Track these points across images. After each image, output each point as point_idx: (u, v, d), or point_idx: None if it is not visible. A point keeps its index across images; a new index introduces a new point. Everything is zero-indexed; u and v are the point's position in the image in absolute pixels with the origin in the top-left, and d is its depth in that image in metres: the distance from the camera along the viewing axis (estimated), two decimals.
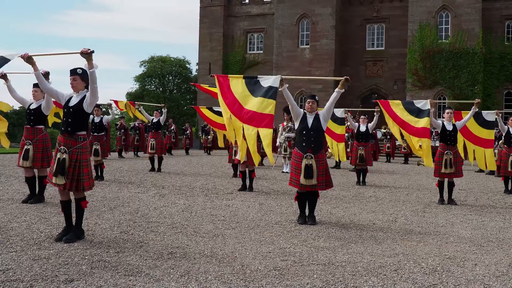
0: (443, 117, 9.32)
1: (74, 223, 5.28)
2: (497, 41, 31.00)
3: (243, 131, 6.68)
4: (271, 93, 6.46)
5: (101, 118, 12.12)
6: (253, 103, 6.50)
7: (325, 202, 8.55)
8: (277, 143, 15.48)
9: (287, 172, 14.18)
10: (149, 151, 13.86)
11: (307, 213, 6.70)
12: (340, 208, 8.06)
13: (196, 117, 36.02)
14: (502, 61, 31.01)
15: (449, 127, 8.97)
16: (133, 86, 50.04)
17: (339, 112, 13.25)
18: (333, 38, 32.71)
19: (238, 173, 11.94)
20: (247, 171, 10.04)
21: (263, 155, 14.23)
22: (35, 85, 7.51)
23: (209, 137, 26.07)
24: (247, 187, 10.05)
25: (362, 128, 12.35)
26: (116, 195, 8.80)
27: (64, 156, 5.11)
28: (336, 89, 6.59)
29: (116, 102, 15.11)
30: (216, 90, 6.90)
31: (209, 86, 10.04)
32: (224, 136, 11.66)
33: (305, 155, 6.41)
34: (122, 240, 5.27)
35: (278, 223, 6.58)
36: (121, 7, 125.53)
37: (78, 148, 5.17)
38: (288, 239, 5.58)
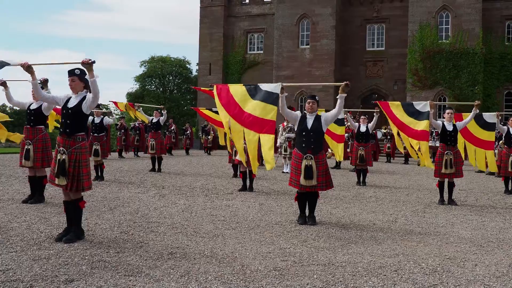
0: (444, 118, 9.31)
1: (71, 224, 5.26)
2: (497, 41, 30.98)
3: (244, 135, 6.63)
4: (272, 98, 6.44)
5: (101, 119, 12.11)
6: (253, 106, 6.46)
7: (325, 203, 8.54)
8: (278, 144, 15.48)
9: (287, 172, 14.18)
10: (149, 151, 13.91)
11: (307, 214, 6.69)
12: (340, 209, 8.06)
13: (196, 117, 36.02)
14: (503, 61, 30.99)
15: (449, 128, 8.97)
16: (133, 86, 50.01)
17: (338, 97, 13.17)
18: (333, 38, 32.69)
19: (238, 173, 11.94)
20: (247, 171, 10.04)
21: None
22: None
23: (209, 137, 26.07)
24: (247, 187, 10.05)
25: (362, 129, 12.35)
26: (116, 195, 8.80)
27: (63, 157, 5.12)
28: (339, 96, 6.58)
29: (116, 103, 15.28)
30: (215, 99, 6.83)
31: (209, 89, 10.04)
32: (225, 134, 11.66)
33: (305, 156, 6.41)
34: (122, 240, 5.27)
35: (278, 223, 6.58)
36: (121, 7, 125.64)
37: (77, 148, 5.17)
38: (288, 240, 5.58)
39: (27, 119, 7.66)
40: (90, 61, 4.93)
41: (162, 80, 48.94)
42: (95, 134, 11.72)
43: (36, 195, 7.64)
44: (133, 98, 47.53)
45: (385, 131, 22.83)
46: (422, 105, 8.50)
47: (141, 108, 14.37)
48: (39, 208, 7.08)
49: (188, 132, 26.29)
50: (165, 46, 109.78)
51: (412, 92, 30.68)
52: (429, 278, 4.23)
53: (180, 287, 3.83)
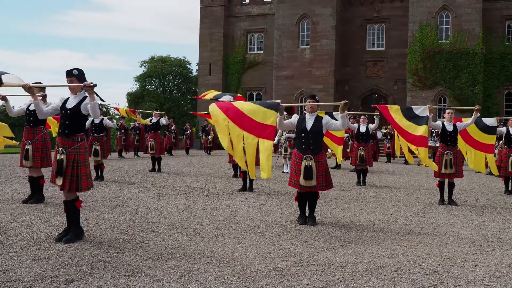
0: (444, 117, 9.31)
1: (71, 224, 5.26)
2: (498, 41, 30.97)
3: (243, 138, 6.59)
4: (273, 106, 6.46)
5: (101, 119, 12.11)
6: (254, 111, 6.43)
7: (325, 203, 8.54)
8: (275, 141, 15.49)
9: (287, 173, 14.17)
10: (149, 151, 13.97)
11: (307, 214, 6.69)
12: (340, 209, 8.06)
13: (196, 117, 36.01)
14: (503, 61, 30.98)
15: (450, 128, 8.97)
16: (133, 86, 49.98)
17: (339, 116, 13.19)
18: (334, 39, 32.69)
19: (238, 173, 11.94)
20: (248, 172, 10.02)
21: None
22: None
23: (209, 137, 26.06)
24: (248, 187, 10.04)
25: (362, 129, 12.35)
26: (116, 195, 8.80)
27: (62, 157, 5.13)
28: (340, 115, 6.57)
29: (117, 109, 15.70)
30: (214, 109, 6.78)
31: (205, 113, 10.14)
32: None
33: (304, 156, 6.40)
34: (122, 241, 5.27)
35: (278, 223, 6.58)
36: (121, 7, 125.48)
37: (76, 148, 5.18)
38: (288, 240, 5.58)
39: (27, 120, 7.67)
40: (92, 84, 4.97)
41: (162, 80, 48.92)
42: (95, 134, 11.72)
43: (36, 195, 7.64)
44: (133, 98, 47.52)
45: (385, 131, 22.83)
46: (421, 110, 8.32)
47: (141, 114, 14.53)
48: (39, 208, 7.08)
49: (188, 132, 26.29)
50: (165, 46, 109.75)
51: (412, 92, 30.68)
52: (429, 278, 4.23)
53: (180, 287, 3.83)
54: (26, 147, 7.55)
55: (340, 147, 10.80)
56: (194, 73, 48.62)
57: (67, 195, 5.23)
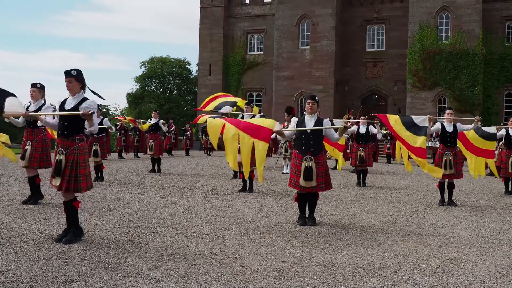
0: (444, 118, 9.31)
1: (69, 225, 5.26)
2: (497, 42, 30.99)
3: (239, 138, 6.62)
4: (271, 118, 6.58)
5: (101, 120, 12.11)
6: (251, 120, 6.57)
7: (325, 203, 8.54)
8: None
9: (287, 173, 14.17)
10: (148, 152, 14.00)
11: (307, 214, 6.69)
12: (340, 209, 8.06)
13: (196, 118, 36.04)
14: (503, 62, 31.00)
15: (449, 129, 8.97)
16: (133, 87, 50.03)
17: (339, 123, 13.24)
18: (333, 39, 32.71)
19: (238, 173, 11.94)
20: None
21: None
22: (33, 85, 7.51)
23: (209, 138, 26.02)
24: (247, 188, 10.04)
25: (362, 130, 12.35)
26: (116, 196, 8.80)
27: (61, 157, 5.13)
28: (336, 133, 6.64)
29: (119, 118, 16.05)
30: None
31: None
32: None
33: (304, 157, 6.40)
34: (122, 241, 5.27)
35: (278, 224, 6.58)
36: (121, 8, 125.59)
37: (75, 149, 5.18)
38: (288, 240, 5.58)
39: (26, 122, 7.63)
40: (90, 112, 5.05)
41: (162, 81, 48.94)
42: (95, 135, 11.71)
43: (34, 195, 7.63)
44: (133, 98, 47.54)
45: (385, 131, 22.81)
46: (421, 120, 8.25)
47: (141, 124, 14.72)
48: (39, 209, 7.08)
49: (188, 132, 26.29)
50: (165, 47, 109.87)
51: (412, 93, 30.70)
52: (429, 279, 4.23)
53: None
54: (26, 147, 7.56)
55: (341, 154, 10.81)
56: (194, 73, 48.64)
57: (65, 196, 5.23)
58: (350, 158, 13.75)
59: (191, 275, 4.13)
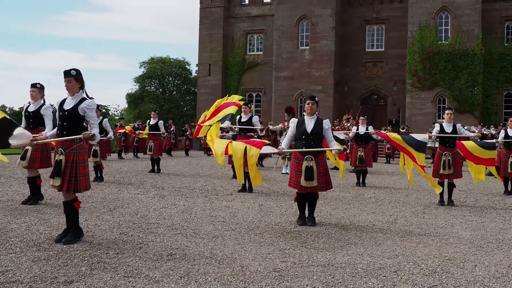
0: (443, 118, 9.31)
1: (68, 225, 5.25)
2: (497, 42, 31.02)
3: (246, 150, 6.71)
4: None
5: (101, 120, 12.10)
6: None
7: (325, 203, 8.54)
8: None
9: (286, 173, 14.17)
10: (148, 152, 14.02)
11: (306, 215, 6.69)
12: (340, 209, 8.06)
13: (195, 118, 36.02)
14: (502, 62, 31.02)
15: (449, 129, 8.98)
16: (133, 87, 49.99)
17: (341, 136, 13.40)
18: (333, 39, 32.72)
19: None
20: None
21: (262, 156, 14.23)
22: (33, 86, 7.51)
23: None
24: (247, 188, 10.04)
25: (362, 130, 12.34)
26: (116, 196, 8.80)
27: (60, 158, 5.13)
28: (334, 151, 6.70)
29: (121, 128, 17.56)
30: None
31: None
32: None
33: (305, 157, 6.40)
34: (121, 242, 5.27)
35: (277, 224, 6.58)
36: (121, 8, 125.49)
37: (74, 149, 5.18)
38: (288, 241, 5.58)
39: (26, 122, 7.63)
40: (90, 134, 5.11)
41: (162, 81, 48.91)
42: None
43: (34, 196, 7.62)
44: (132, 99, 47.49)
45: (384, 132, 22.82)
46: (422, 137, 8.43)
47: (140, 135, 14.88)
48: (38, 209, 7.07)
49: (187, 133, 26.30)
50: (165, 47, 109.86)
51: (411, 93, 30.71)
52: (428, 279, 4.23)
53: None
54: (26, 147, 7.54)
55: (343, 162, 10.83)
56: (194, 74, 48.63)
57: (66, 196, 5.23)
58: (350, 158, 13.75)
59: (191, 276, 4.13)
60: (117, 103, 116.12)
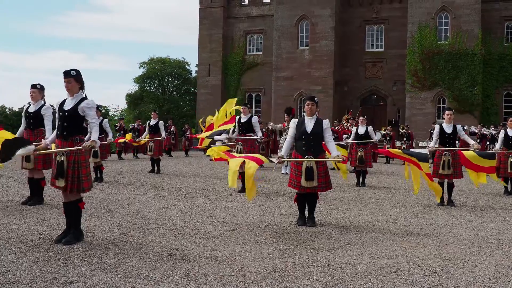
0: (443, 118, 9.31)
1: (70, 226, 5.25)
2: (497, 42, 31.02)
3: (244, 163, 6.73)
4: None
5: (101, 120, 12.09)
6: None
7: (325, 204, 8.54)
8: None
9: (286, 174, 14.17)
10: (148, 153, 14.04)
11: (306, 215, 6.69)
12: (339, 210, 8.06)
13: (195, 118, 36.02)
14: (502, 62, 31.03)
15: (448, 130, 8.98)
16: (133, 88, 49.97)
17: (343, 141, 13.53)
18: (333, 40, 32.73)
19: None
20: None
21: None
22: (33, 86, 7.51)
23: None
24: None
25: (361, 130, 12.35)
26: (116, 196, 8.80)
27: (62, 159, 5.12)
28: (332, 157, 6.68)
29: (120, 138, 17.85)
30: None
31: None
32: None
33: (306, 158, 6.40)
34: (121, 242, 5.27)
35: (277, 224, 6.58)
36: (121, 8, 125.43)
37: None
38: (288, 241, 5.58)
39: (26, 123, 7.62)
40: (90, 146, 5.15)
41: (162, 82, 48.90)
42: None
43: (35, 197, 7.62)
44: (132, 99, 47.48)
45: (384, 132, 22.82)
46: (421, 151, 8.71)
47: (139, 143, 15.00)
48: (38, 210, 7.07)
49: (187, 133, 26.29)
50: (165, 47, 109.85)
51: (411, 93, 30.72)
52: (428, 279, 4.23)
53: None
54: None
55: (345, 166, 10.87)
56: (194, 74, 48.62)
57: (69, 196, 5.23)
58: (350, 159, 13.74)
59: (191, 276, 4.13)
60: (117, 103, 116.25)
